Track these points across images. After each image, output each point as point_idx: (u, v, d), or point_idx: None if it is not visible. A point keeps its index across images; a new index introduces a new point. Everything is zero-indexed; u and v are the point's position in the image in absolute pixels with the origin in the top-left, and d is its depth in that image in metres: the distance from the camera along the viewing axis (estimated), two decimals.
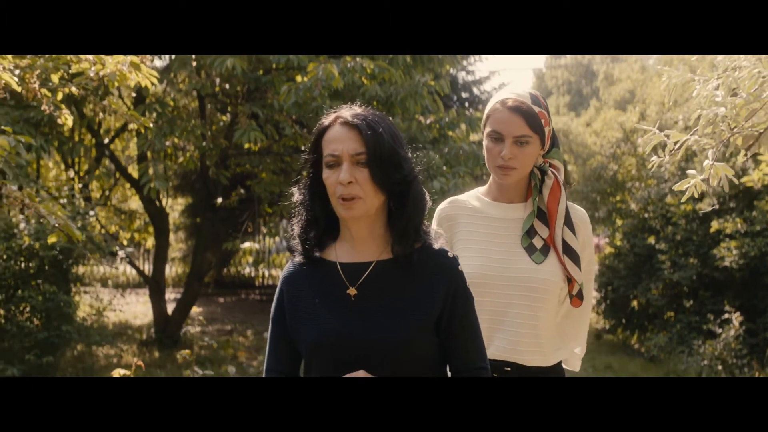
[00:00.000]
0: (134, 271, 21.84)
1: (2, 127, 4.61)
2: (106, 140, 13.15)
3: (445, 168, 10.72)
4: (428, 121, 11.11)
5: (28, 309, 8.18)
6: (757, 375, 10.02)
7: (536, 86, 62.81)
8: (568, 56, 58.34)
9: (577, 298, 2.93)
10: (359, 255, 2.44)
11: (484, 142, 2.93)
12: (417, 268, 2.39)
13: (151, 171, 9.90)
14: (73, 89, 5.03)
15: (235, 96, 11.50)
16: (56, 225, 4.55)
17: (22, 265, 8.17)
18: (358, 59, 9.61)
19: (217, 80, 11.08)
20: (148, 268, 20.00)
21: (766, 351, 10.77)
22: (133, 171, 14.15)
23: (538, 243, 2.89)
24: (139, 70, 4.91)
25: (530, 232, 2.91)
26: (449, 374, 2.49)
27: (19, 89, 4.04)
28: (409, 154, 2.43)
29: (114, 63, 4.88)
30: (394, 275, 2.39)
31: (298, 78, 9.68)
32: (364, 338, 2.34)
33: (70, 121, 5.05)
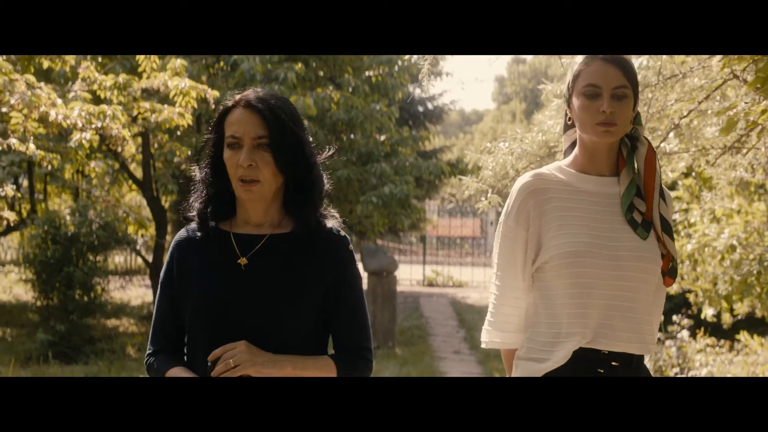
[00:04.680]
0: (122, 260, 24.29)
1: (96, 154, 7.16)
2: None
3: (395, 176, 13.47)
4: (382, 138, 13.80)
5: (72, 281, 10.66)
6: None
7: (497, 92, 65.20)
8: (527, 64, 60.71)
9: (669, 276, 2.63)
10: (254, 228, 2.45)
11: (577, 102, 2.61)
12: (308, 245, 2.41)
13: (163, 175, 12.43)
14: (136, 128, 7.59)
15: None
16: (135, 217, 7.08)
17: (69, 247, 10.68)
18: (328, 91, 12.29)
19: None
20: (135, 256, 22.50)
21: None
22: (134, 170, 16.55)
23: (638, 218, 2.61)
24: (183, 117, 7.45)
25: (629, 207, 2.61)
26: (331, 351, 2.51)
27: (130, 140, 6.53)
28: (310, 138, 2.43)
29: (167, 112, 7.42)
30: (285, 249, 2.41)
31: None
32: (248, 307, 2.35)
33: (133, 150, 7.58)
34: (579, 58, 2.65)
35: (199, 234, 2.48)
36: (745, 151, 4.42)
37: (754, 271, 6.01)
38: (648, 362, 10.83)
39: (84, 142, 6.52)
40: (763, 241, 6.35)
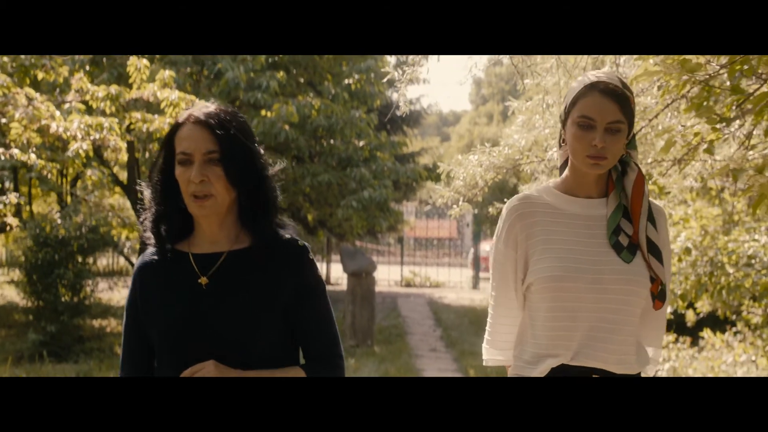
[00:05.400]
0: (103, 261, 24.64)
1: (92, 163, 7.58)
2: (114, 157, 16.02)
3: (374, 180, 13.97)
4: (361, 144, 14.30)
5: (62, 283, 11.06)
6: None
7: (474, 93, 65.69)
8: (504, 66, 61.19)
9: (659, 299, 2.66)
10: (211, 246, 2.43)
11: (570, 130, 2.62)
12: (268, 258, 2.40)
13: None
14: (128, 137, 7.99)
15: None
16: (127, 222, 7.49)
17: (59, 249, 11.07)
18: (308, 98, 12.77)
19: None
20: (119, 257, 22.88)
21: None
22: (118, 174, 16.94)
23: (624, 241, 2.63)
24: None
25: (615, 230, 2.64)
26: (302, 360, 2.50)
27: (124, 150, 6.96)
28: (261, 151, 2.43)
29: (158, 122, 7.84)
30: (245, 265, 2.40)
31: (263, 112, 12.76)
32: (213, 326, 2.34)
33: (125, 157, 7.99)
34: (580, 80, 2.67)
35: (157, 257, 2.47)
36: (691, 162, 4.87)
37: (707, 272, 6.50)
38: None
39: (81, 151, 6.93)
40: (716, 244, 6.83)
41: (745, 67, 3.22)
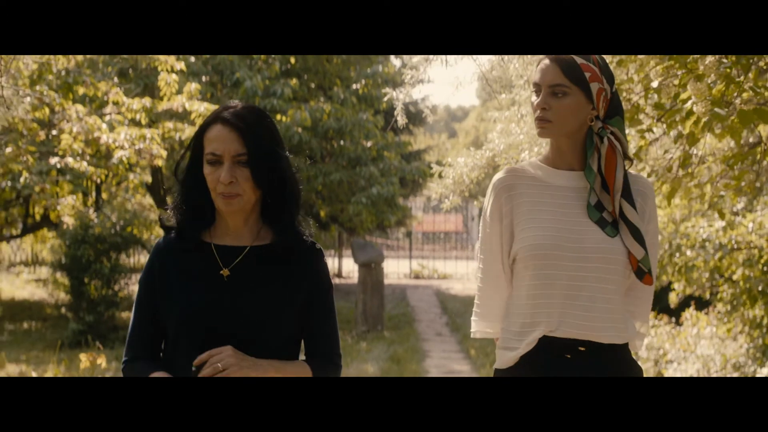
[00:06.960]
0: (134, 258, 25.77)
1: (134, 168, 8.63)
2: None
3: (382, 178, 15.08)
4: (369, 144, 15.40)
5: (99, 276, 12.15)
6: None
7: (480, 89, 66.23)
8: (513, 62, 61.54)
9: (637, 277, 2.63)
10: (234, 239, 2.49)
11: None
12: (288, 257, 2.47)
13: (169, 179, 13.91)
14: (164, 144, 9.06)
15: None
16: (150, 221, 8.51)
17: (96, 246, 12.14)
18: (320, 103, 13.88)
19: None
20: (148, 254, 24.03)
21: None
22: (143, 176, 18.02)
23: (608, 217, 2.63)
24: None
25: (599, 206, 2.64)
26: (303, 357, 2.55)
27: (163, 156, 8.01)
28: (287, 152, 2.48)
29: (189, 131, 8.89)
30: (265, 261, 2.47)
31: (278, 116, 13.86)
32: (231, 317, 2.40)
33: (160, 163, 9.03)
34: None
35: (179, 244, 2.50)
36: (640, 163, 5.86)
37: (668, 253, 7.47)
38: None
39: (124, 159, 8.00)
40: (679, 230, 7.81)
41: (653, 94, 4.19)
